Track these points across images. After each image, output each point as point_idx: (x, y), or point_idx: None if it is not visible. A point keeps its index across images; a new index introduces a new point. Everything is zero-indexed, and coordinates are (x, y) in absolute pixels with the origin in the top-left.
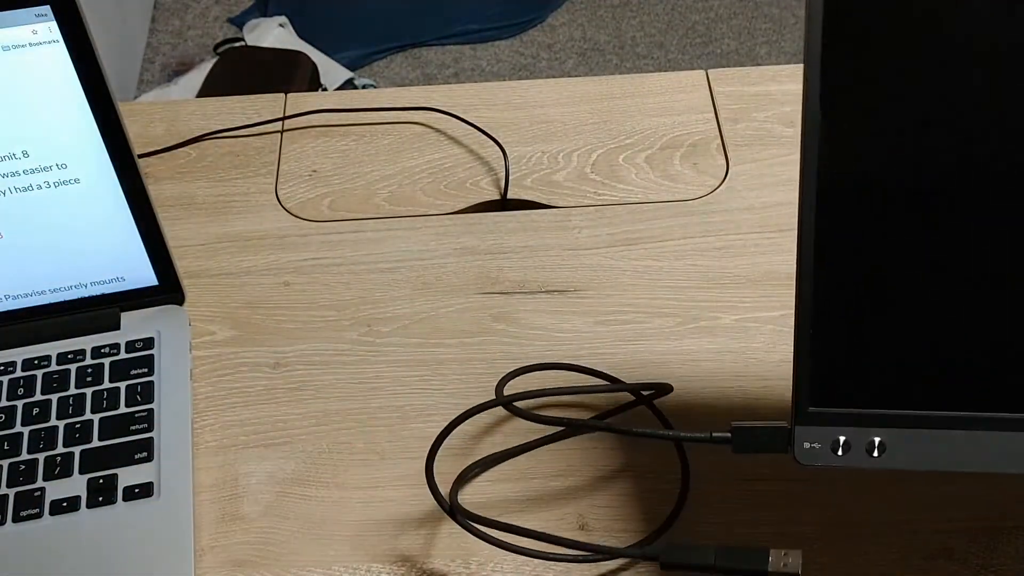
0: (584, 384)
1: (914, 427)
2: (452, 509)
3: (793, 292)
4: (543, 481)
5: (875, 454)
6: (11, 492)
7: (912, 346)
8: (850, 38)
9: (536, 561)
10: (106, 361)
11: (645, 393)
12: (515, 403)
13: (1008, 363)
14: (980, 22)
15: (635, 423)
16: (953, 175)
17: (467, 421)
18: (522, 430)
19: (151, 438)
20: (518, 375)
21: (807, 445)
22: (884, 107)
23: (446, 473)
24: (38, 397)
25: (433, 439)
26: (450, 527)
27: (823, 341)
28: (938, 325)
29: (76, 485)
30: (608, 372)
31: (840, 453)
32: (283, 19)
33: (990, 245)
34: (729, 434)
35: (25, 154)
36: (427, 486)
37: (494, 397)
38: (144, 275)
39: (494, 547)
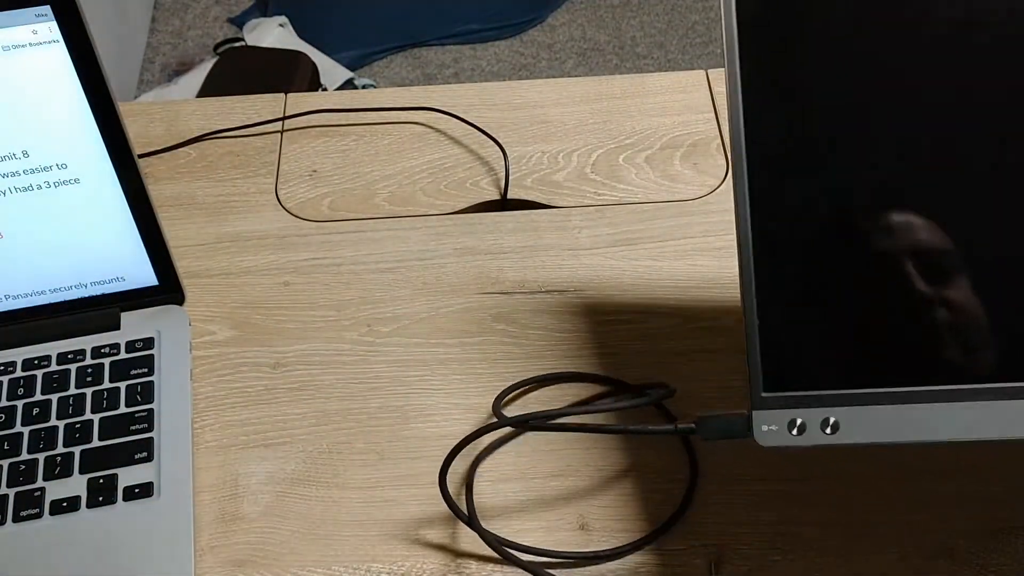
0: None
1: (860, 404)
2: (474, 523)
3: None
4: (543, 481)
5: (828, 431)
6: (11, 492)
7: (847, 331)
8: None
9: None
10: (106, 361)
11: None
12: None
13: (936, 340)
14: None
15: (636, 422)
16: (869, 184)
17: (465, 420)
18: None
19: (151, 438)
20: (516, 389)
21: (765, 428)
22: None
23: (451, 476)
24: (38, 397)
25: (433, 439)
26: (450, 527)
27: (769, 332)
28: (869, 311)
29: (76, 485)
30: (606, 375)
31: (796, 433)
32: (283, 19)
33: (900, 237)
34: (693, 424)
35: (25, 154)
36: (442, 498)
37: (491, 411)
38: (144, 275)
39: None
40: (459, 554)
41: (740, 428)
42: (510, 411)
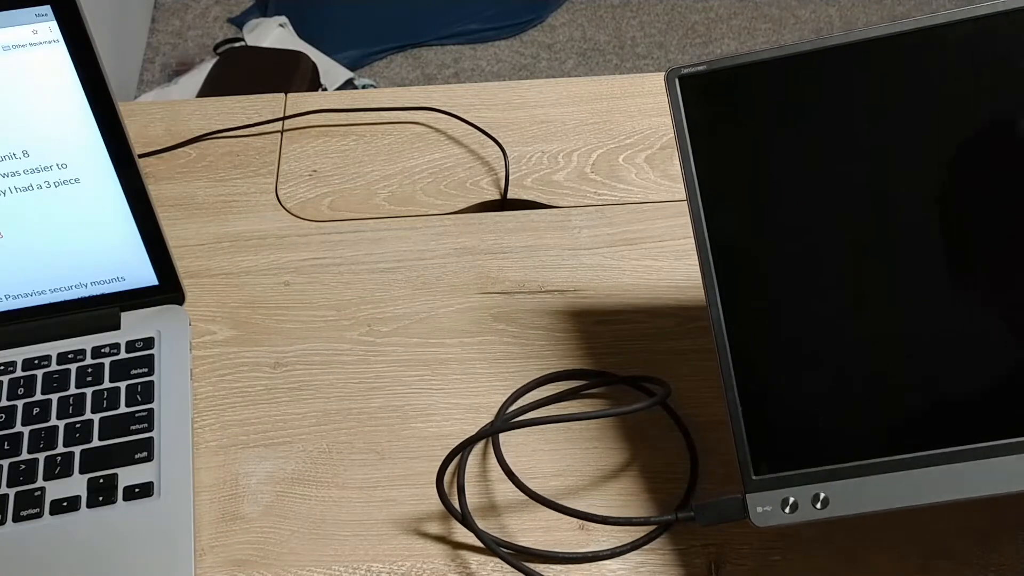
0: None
1: (847, 478)
2: (472, 527)
3: None
4: (543, 480)
5: (819, 507)
6: (11, 492)
7: (827, 411)
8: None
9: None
10: (106, 361)
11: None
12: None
13: (907, 413)
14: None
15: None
16: (827, 265)
17: (465, 420)
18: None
19: (151, 438)
20: (523, 394)
21: (760, 509)
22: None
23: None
24: (38, 397)
25: (433, 439)
26: (450, 527)
27: (752, 419)
28: (841, 396)
29: (76, 485)
30: (605, 371)
31: (789, 511)
32: (283, 19)
33: (869, 313)
34: (692, 513)
35: (25, 154)
36: (439, 500)
37: (496, 414)
38: (144, 275)
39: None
40: (459, 554)
41: (736, 511)
42: (513, 411)
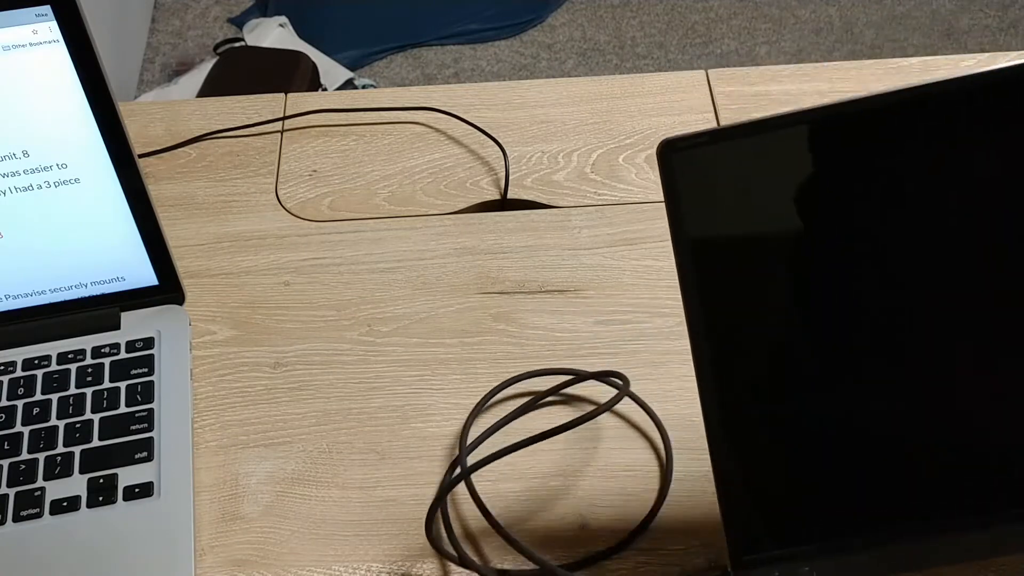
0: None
1: (832, 554)
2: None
3: None
4: (543, 480)
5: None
6: (11, 492)
7: (813, 501)
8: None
9: None
10: (106, 361)
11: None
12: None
13: (887, 494)
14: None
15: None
16: (807, 345)
17: (461, 419)
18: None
19: (151, 438)
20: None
21: None
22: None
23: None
24: (38, 397)
25: (432, 439)
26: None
27: (741, 509)
28: (826, 481)
29: (76, 485)
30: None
31: None
32: (283, 19)
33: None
34: None
35: (25, 154)
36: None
37: (460, 446)
38: (144, 275)
39: (493, 544)
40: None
41: None
42: (493, 414)
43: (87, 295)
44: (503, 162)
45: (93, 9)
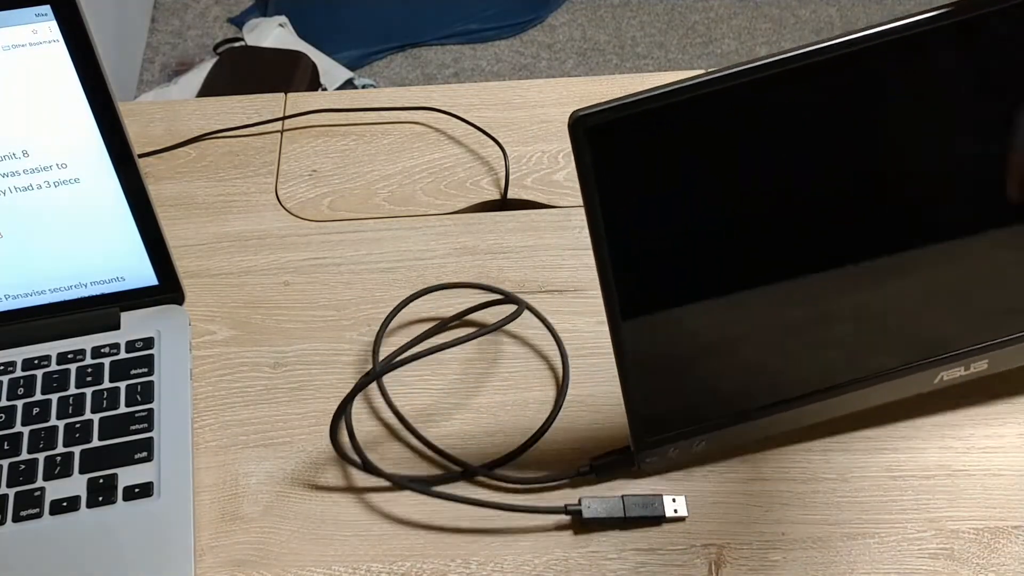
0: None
1: (716, 431)
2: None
3: None
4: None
5: (695, 448)
6: (11, 492)
7: (701, 390)
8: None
9: (536, 560)
10: (106, 361)
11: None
12: (392, 366)
13: (761, 380)
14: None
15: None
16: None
17: (465, 420)
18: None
19: (151, 438)
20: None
21: (648, 460)
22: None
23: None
24: (38, 397)
25: (431, 439)
26: (450, 525)
27: (640, 398)
28: (712, 376)
29: (76, 485)
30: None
31: (672, 454)
32: (283, 19)
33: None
34: (589, 466)
35: (25, 154)
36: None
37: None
38: (144, 275)
39: (492, 546)
40: (459, 554)
41: (628, 464)
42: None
43: (87, 295)
44: (503, 162)
45: (93, 9)
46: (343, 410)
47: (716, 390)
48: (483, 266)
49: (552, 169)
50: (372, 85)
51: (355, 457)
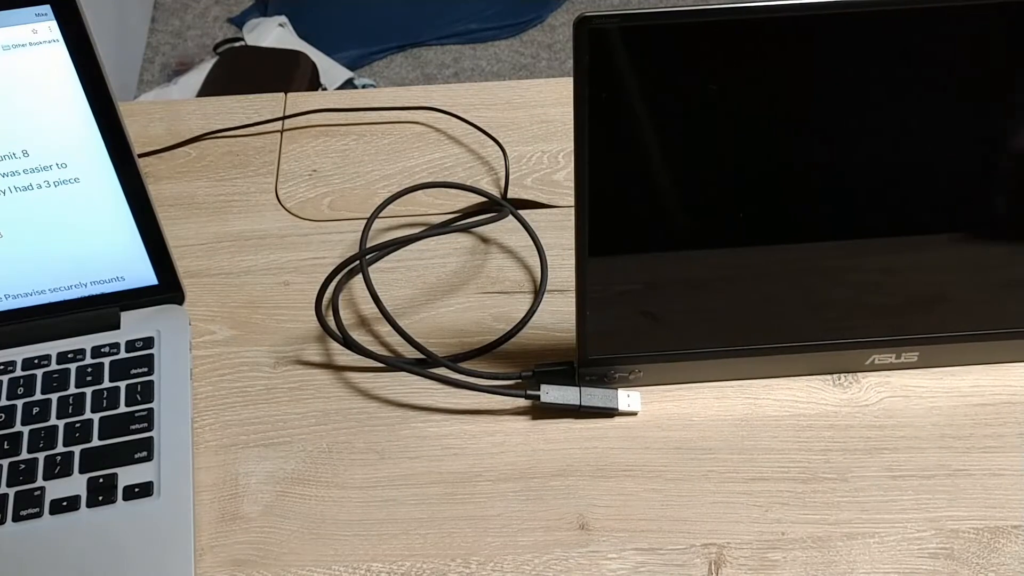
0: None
1: (653, 361)
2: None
3: None
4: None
5: (631, 376)
6: (11, 492)
7: (645, 326)
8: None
9: (536, 560)
10: (106, 360)
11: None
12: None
13: (709, 317)
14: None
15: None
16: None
17: (465, 420)
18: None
19: (151, 437)
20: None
21: (588, 377)
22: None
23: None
24: (38, 396)
25: (432, 439)
26: (450, 526)
27: (590, 322)
28: (658, 314)
29: (76, 484)
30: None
31: (608, 380)
32: (283, 19)
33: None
34: (532, 372)
35: (25, 154)
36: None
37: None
38: (144, 275)
39: (493, 544)
40: (460, 553)
41: (569, 376)
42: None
43: (87, 295)
44: (503, 162)
45: (93, 9)
46: (326, 286)
47: (659, 327)
48: (483, 266)
49: (552, 169)
50: (372, 85)
51: (337, 332)
